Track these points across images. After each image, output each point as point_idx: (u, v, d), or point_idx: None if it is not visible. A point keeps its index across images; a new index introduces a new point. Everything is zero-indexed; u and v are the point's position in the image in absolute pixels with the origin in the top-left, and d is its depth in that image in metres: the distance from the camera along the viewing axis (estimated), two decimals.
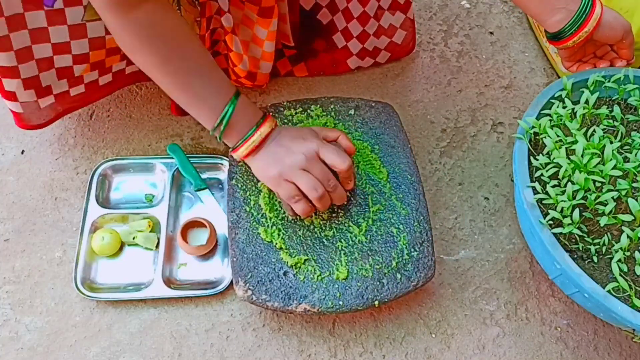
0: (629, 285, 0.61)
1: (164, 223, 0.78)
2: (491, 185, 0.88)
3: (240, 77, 0.88)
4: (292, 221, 0.73)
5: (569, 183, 0.64)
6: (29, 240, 0.79)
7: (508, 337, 0.75)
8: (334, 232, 0.73)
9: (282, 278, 0.70)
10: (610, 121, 0.73)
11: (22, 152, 0.87)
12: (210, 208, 0.82)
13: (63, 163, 0.86)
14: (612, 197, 0.63)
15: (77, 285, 0.73)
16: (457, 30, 1.07)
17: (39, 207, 0.82)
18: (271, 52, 0.84)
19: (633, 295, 0.60)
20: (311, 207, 0.69)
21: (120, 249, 0.78)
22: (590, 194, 0.63)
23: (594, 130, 0.70)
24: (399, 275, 0.70)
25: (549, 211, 0.64)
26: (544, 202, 0.65)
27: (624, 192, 0.64)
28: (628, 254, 0.62)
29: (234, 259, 0.71)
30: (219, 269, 0.77)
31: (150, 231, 0.78)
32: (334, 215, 0.74)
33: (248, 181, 0.77)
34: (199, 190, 0.82)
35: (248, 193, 0.76)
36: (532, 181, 0.68)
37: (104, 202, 0.81)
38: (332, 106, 0.84)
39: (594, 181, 0.64)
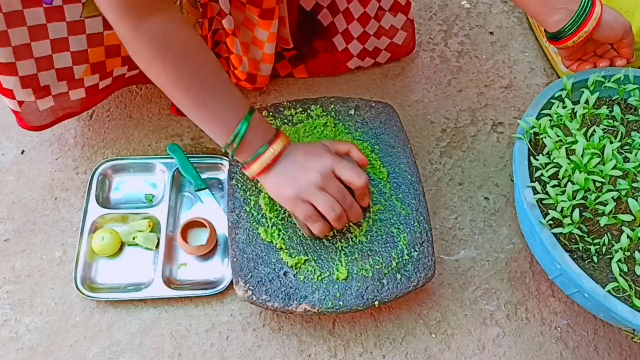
0: (629, 285, 0.61)
1: (164, 223, 0.78)
2: (491, 185, 0.88)
3: (240, 79, 0.88)
4: (292, 221, 0.73)
5: (569, 183, 0.64)
6: (29, 240, 0.79)
7: (508, 337, 0.75)
8: (334, 232, 0.73)
9: (282, 278, 0.70)
10: (610, 121, 0.73)
11: (22, 152, 0.87)
12: (210, 208, 0.82)
13: (63, 163, 0.86)
14: (612, 197, 0.63)
15: (77, 285, 0.73)
16: (457, 30, 1.07)
17: (39, 207, 0.82)
18: (271, 54, 0.84)
19: (633, 295, 0.60)
20: (328, 226, 0.68)
21: (120, 249, 0.78)
22: (590, 194, 0.63)
23: (594, 130, 0.70)
24: (399, 276, 0.70)
25: (549, 211, 0.64)
26: (544, 202, 0.65)
27: (624, 192, 0.64)
28: (628, 254, 0.62)
29: (234, 259, 0.71)
30: (219, 269, 0.77)
31: (150, 231, 0.78)
32: None
33: (248, 181, 0.77)
34: (199, 190, 0.82)
35: (248, 193, 0.76)
36: (532, 181, 0.68)
37: (104, 202, 0.81)
38: (332, 106, 0.85)
39: (594, 181, 0.64)
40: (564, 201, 0.63)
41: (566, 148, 0.67)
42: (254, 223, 0.73)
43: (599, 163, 0.65)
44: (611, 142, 0.68)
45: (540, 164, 0.68)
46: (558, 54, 0.82)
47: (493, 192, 0.87)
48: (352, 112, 0.84)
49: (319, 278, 0.70)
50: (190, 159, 0.84)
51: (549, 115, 0.72)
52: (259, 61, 0.86)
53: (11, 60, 0.70)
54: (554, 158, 0.67)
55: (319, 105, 0.84)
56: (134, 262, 0.77)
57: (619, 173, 0.63)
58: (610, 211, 0.62)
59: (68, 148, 0.87)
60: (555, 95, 0.75)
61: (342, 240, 0.72)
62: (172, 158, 0.84)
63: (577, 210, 0.63)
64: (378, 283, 0.70)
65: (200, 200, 0.82)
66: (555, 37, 0.76)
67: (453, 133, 0.93)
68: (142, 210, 0.80)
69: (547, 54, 1.03)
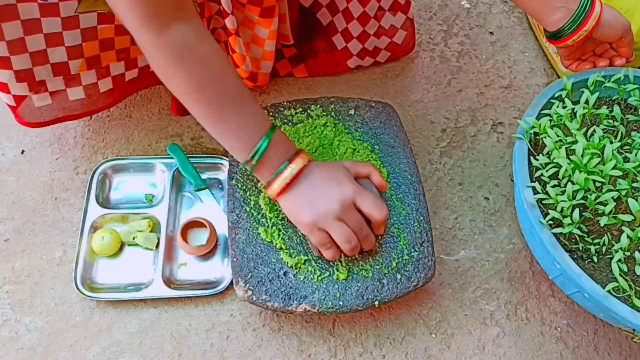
0: (629, 285, 0.61)
1: (164, 223, 0.78)
2: (491, 185, 0.88)
3: (243, 78, 0.88)
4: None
5: (569, 183, 0.64)
6: (29, 240, 0.79)
7: (508, 337, 0.75)
8: None
9: (282, 278, 0.70)
10: (610, 121, 0.73)
11: (22, 152, 0.87)
12: (210, 208, 0.82)
13: (63, 163, 0.86)
14: (612, 197, 0.63)
15: (77, 285, 0.73)
16: (457, 30, 1.07)
17: (39, 207, 0.82)
18: (272, 51, 0.84)
19: (633, 295, 0.60)
20: (340, 252, 0.67)
21: (120, 249, 0.78)
22: (590, 194, 0.63)
23: (594, 130, 0.70)
24: (399, 276, 0.70)
25: (549, 211, 0.64)
26: (544, 202, 0.65)
27: (624, 192, 0.64)
28: (628, 254, 0.62)
29: (234, 259, 0.71)
30: (219, 269, 0.77)
31: (150, 231, 0.78)
32: None
33: (248, 181, 0.77)
34: (199, 190, 0.82)
35: (248, 193, 0.76)
36: (532, 181, 0.68)
37: (104, 202, 0.81)
38: (332, 106, 0.85)
39: (594, 181, 0.64)
40: (564, 201, 0.63)
41: (566, 148, 0.67)
42: (254, 223, 0.73)
43: (599, 163, 0.65)
44: (611, 142, 0.68)
45: (540, 164, 0.68)
46: (557, 53, 0.82)
47: (493, 192, 0.87)
48: (352, 112, 0.84)
49: (319, 278, 0.70)
50: (190, 159, 0.84)
51: (549, 115, 0.72)
52: (260, 59, 0.86)
53: (5, 55, 0.70)
54: (554, 158, 0.67)
55: (319, 105, 0.84)
56: (134, 262, 0.77)
57: (619, 173, 0.63)
58: (610, 211, 0.62)
59: (68, 148, 0.87)
60: (555, 95, 0.75)
61: None
62: (172, 158, 0.84)
63: (577, 210, 0.63)
64: (378, 283, 0.70)
65: (200, 200, 0.82)
66: (554, 36, 0.76)
67: (453, 133, 0.93)
68: (142, 210, 0.80)
69: (547, 54, 1.03)
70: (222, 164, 0.85)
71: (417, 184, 0.77)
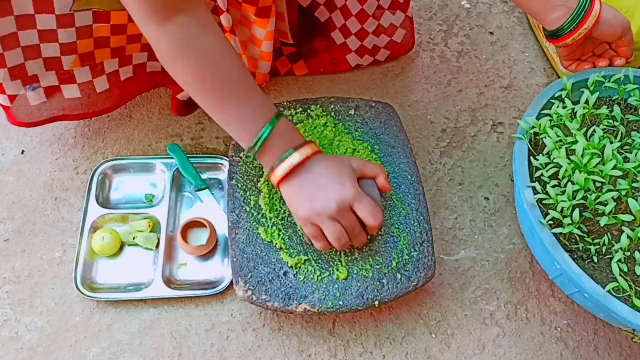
0: (629, 285, 0.61)
1: (164, 223, 0.78)
2: (491, 185, 0.88)
3: (246, 67, 0.88)
4: (292, 221, 0.73)
5: (569, 183, 0.64)
6: (29, 240, 0.79)
7: (508, 337, 0.75)
8: None
9: (282, 278, 0.70)
10: (610, 121, 0.73)
11: (22, 152, 0.87)
12: (210, 208, 0.82)
13: (63, 163, 0.86)
14: (612, 197, 0.63)
15: (77, 285, 0.73)
16: (457, 30, 1.07)
17: (39, 207, 0.82)
18: (269, 52, 0.84)
19: (633, 295, 0.60)
20: (330, 245, 0.67)
21: (120, 249, 0.78)
22: (590, 194, 0.63)
23: (594, 130, 0.70)
24: (399, 275, 0.70)
25: (549, 211, 0.64)
26: (544, 202, 0.65)
27: (624, 192, 0.64)
28: (628, 254, 0.62)
29: (234, 259, 0.71)
30: (219, 269, 0.77)
31: (150, 231, 0.78)
32: None
33: (248, 181, 0.77)
34: (199, 190, 0.82)
35: (248, 193, 0.76)
36: (532, 181, 0.68)
37: (104, 202, 0.81)
38: (332, 106, 0.85)
39: (594, 181, 0.64)
40: (564, 201, 0.63)
41: (566, 148, 0.67)
42: (254, 223, 0.73)
43: (599, 163, 0.65)
44: (611, 142, 0.68)
45: (540, 164, 0.68)
46: (557, 53, 0.82)
47: (493, 192, 0.87)
48: (352, 112, 0.84)
49: (319, 278, 0.70)
50: (190, 159, 0.84)
51: (549, 115, 0.72)
52: (257, 59, 0.86)
53: None
54: (554, 158, 0.67)
55: (318, 105, 0.84)
56: (134, 262, 0.77)
57: (619, 173, 0.63)
58: (610, 211, 0.62)
59: (68, 148, 0.87)
60: (555, 95, 0.74)
61: None
62: (172, 158, 0.84)
63: (577, 210, 0.63)
64: (378, 283, 0.70)
65: (200, 200, 0.82)
66: (554, 35, 0.75)
67: (453, 133, 0.93)
68: (142, 210, 0.80)
69: (547, 54, 1.03)
70: (222, 164, 0.85)
71: (417, 184, 0.77)
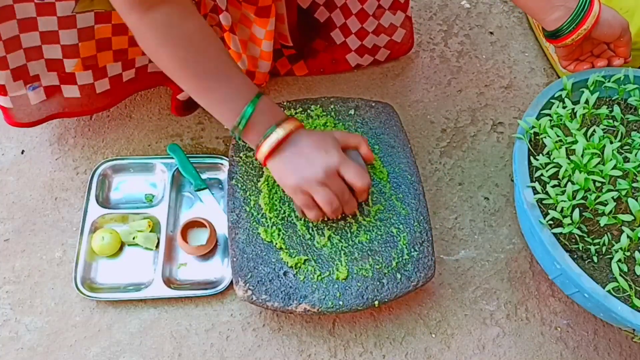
0: (629, 285, 0.61)
1: (164, 223, 0.78)
2: (491, 185, 0.88)
3: (228, 50, 0.88)
4: (292, 221, 0.73)
5: (569, 183, 0.64)
6: (29, 240, 0.79)
7: (508, 337, 0.75)
8: (334, 232, 0.73)
9: (282, 278, 0.70)
10: (610, 121, 0.73)
11: (22, 152, 0.87)
12: (210, 208, 0.82)
13: (63, 163, 0.86)
14: (612, 197, 0.63)
15: (77, 285, 0.73)
16: (457, 30, 1.07)
17: (39, 207, 0.82)
18: (269, 51, 0.84)
19: (633, 295, 0.60)
20: (322, 214, 0.69)
21: (120, 249, 0.78)
22: (590, 194, 0.63)
23: (594, 130, 0.70)
24: (399, 275, 0.70)
25: (549, 211, 0.64)
26: (544, 202, 0.65)
27: (624, 192, 0.64)
28: (628, 254, 0.62)
29: (234, 259, 0.71)
30: (219, 269, 0.77)
31: (150, 231, 0.78)
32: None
33: (248, 181, 0.77)
34: (199, 190, 0.82)
35: (248, 193, 0.76)
36: (532, 181, 0.68)
37: (104, 202, 0.81)
38: (332, 106, 0.85)
39: (594, 181, 0.64)
40: (564, 201, 0.63)
41: (566, 148, 0.67)
42: (254, 223, 0.73)
43: (599, 163, 0.65)
44: (611, 142, 0.68)
45: (540, 164, 0.68)
46: (556, 53, 0.82)
47: (493, 192, 0.87)
48: (352, 112, 0.84)
49: (319, 278, 0.70)
50: (190, 159, 0.84)
51: (549, 115, 0.72)
52: (257, 58, 0.86)
53: (2, 54, 0.70)
54: (554, 158, 0.67)
55: (318, 105, 0.84)
56: (134, 262, 0.77)
57: (619, 173, 0.63)
58: (610, 211, 0.62)
59: (68, 148, 0.87)
60: (555, 95, 0.75)
61: (342, 240, 0.72)
62: (172, 158, 0.84)
63: (577, 210, 0.63)
64: (378, 283, 0.70)
65: (200, 200, 0.82)
66: (553, 35, 0.75)
67: (453, 133, 0.93)
68: (142, 210, 0.80)
69: (547, 54, 1.03)
70: (222, 164, 0.85)
71: (417, 184, 0.77)
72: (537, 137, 0.72)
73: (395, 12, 0.92)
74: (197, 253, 0.77)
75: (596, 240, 0.65)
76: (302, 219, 0.73)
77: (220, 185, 0.84)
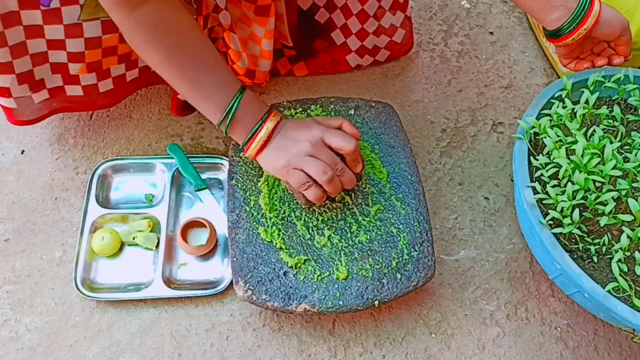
0: (629, 285, 0.61)
1: (164, 223, 0.78)
2: (491, 185, 0.88)
3: (239, 74, 0.88)
4: (292, 221, 0.73)
5: (569, 183, 0.64)
6: (29, 240, 0.79)
7: (508, 337, 0.75)
8: (334, 232, 0.73)
9: (282, 278, 0.70)
10: (610, 121, 0.73)
11: (22, 152, 0.87)
12: (210, 208, 0.82)
13: (63, 163, 0.86)
14: (612, 197, 0.63)
15: (77, 285, 0.73)
16: (457, 30, 1.07)
17: (39, 207, 0.82)
18: (269, 50, 0.84)
19: (633, 295, 0.60)
20: (323, 192, 0.69)
21: (120, 249, 0.78)
22: (590, 194, 0.63)
23: (594, 130, 0.70)
24: (399, 275, 0.70)
25: (549, 211, 0.64)
26: (544, 202, 0.65)
27: (624, 192, 0.64)
28: (628, 254, 0.62)
29: (234, 259, 0.71)
30: (219, 269, 0.77)
31: (150, 231, 0.78)
32: (334, 210, 0.74)
33: (248, 181, 0.77)
34: (199, 190, 0.82)
35: (248, 193, 0.76)
36: (532, 181, 0.68)
37: (104, 202, 0.81)
38: (332, 106, 0.85)
39: (594, 181, 0.64)
40: (564, 201, 0.63)
41: (566, 148, 0.67)
42: (254, 223, 0.73)
43: (599, 163, 0.65)
44: (611, 142, 0.68)
45: (540, 164, 0.68)
46: (556, 52, 0.82)
47: (493, 192, 0.87)
48: (352, 112, 0.84)
49: (319, 278, 0.70)
50: (190, 159, 0.84)
51: (549, 115, 0.72)
52: (258, 57, 0.86)
53: (8, 60, 0.70)
54: (554, 158, 0.67)
55: (318, 105, 0.84)
56: (134, 262, 0.77)
57: (619, 173, 0.63)
58: (610, 211, 0.62)
59: (68, 148, 0.87)
60: (555, 95, 0.75)
61: (342, 240, 0.72)
62: (172, 158, 0.84)
63: (577, 210, 0.63)
64: (378, 283, 0.70)
65: (200, 200, 0.82)
66: (554, 35, 0.76)
67: (453, 133, 0.93)
68: (142, 210, 0.80)
69: (547, 54, 1.03)
70: (222, 164, 0.85)
71: (417, 184, 0.77)
72: (537, 137, 0.72)
73: (395, 12, 0.92)
74: (197, 253, 0.77)
75: (596, 240, 0.65)
76: (304, 211, 0.73)
77: (220, 185, 0.84)
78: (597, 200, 0.63)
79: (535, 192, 0.67)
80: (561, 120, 0.71)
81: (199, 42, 0.66)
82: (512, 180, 0.88)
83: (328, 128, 0.70)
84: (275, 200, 0.75)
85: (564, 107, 0.72)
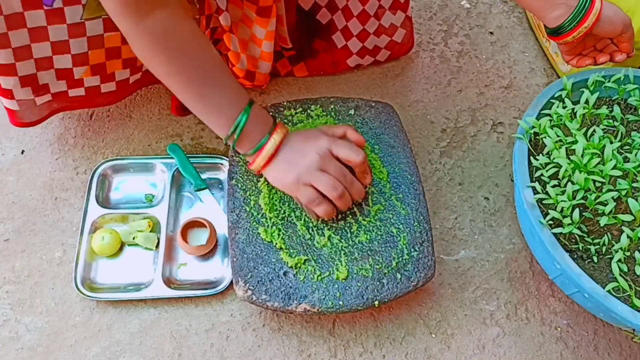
0: (629, 285, 0.61)
1: (164, 223, 0.78)
2: (491, 185, 0.88)
3: (239, 77, 0.88)
4: (292, 221, 0.73)
5: (569, 183, 0.64)
6: (29, 240, 0.79)
7: (508, 337, 0.75)
8: (334, 232, 0.73)
9: (282, 278, 0.70)
10: (610, 121, 0.73)
11: (22, 152, 0.87)
12: (210, 208, 0.82)
13: (63, 163, 0.86)
14: (612, 197, 0.63)
15: (77, 285, 0.73)
16: (457, 30, 1.07)
17: (39, 207, 0.82)
18: (270, 52, 0.84)
19: (633, 295, 0.60)
20: (333, 207, 0.69)
21: (120, 249, 0.78)
22: (590, 194, 0.63)
23: (594, 130, 0.70)
24: (399, 275, 0.70)
25: (549, 211, 0.64)
26: (544, 202, 0.65)
27: (624, 192, 0.64)
28: (628, 254, 0.62)
29: (234, 259, 0.71)
30: (219, 269, 0.77)
31: (150, 231, 0.78)
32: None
33: (248, 181, 0.77)
34: (199, 190, 0.82)
35: (248, 193, 0.76)
36: (532, 181, 0.68)
37: (104, 202, 0.81)
38: (332, 106, 0.85)
39: (594, 181, 0.64)
40: (564, 201, 0.63)
41: (566, 148, 0.67)
42: (254, 223, 0.73)
43: (599, 163, 0.65)
44: (611, 142, 0.68)
45: (540, 164, 0.68)
46: (558, 49, 0.82)
47: (493, 192, 0.87)
48: (352, 112, 0.84)
49: (319, 278, 0.70)
50: (190, 159, 0.84)
51: (549, 115, 0.72)
52: (258, 58, 0.86)
53: (11, 62, 0.70)
54: (554, 158, 0.67)
55: (318, 105, 0.84)
56: (134, 262, 0.77)
57: (619, 173, 0.63)
58: (610, 211, 0.62)
59: (68, 148, 0.87)
60: (555, 95, 0.75)
61: (342, 240, 0.72)
62: (172, 158, 0.84)
63: (577, 210, 0.63)
64: (378, 283, 0.70)
65: (200, 200, 0.82)
66: (555, 33, 0.76)
67: (453, 133, 0.93)
68: (142, 210, 0.80)
69: (547, 54, 1.03)
70: (222, 164, 0.85)
71: (417, 184, 0.77)
72: (537, 137, 0.72)
73: (395, 12, 0.92)
74: (197, 253, 0.77)
75: (596, 240, 0.65)
76: (304, 211, 0.73)
77: (220, 185, 0.84)
78: (597, 200, 0.63)
79: (535, 192, 0.67)
80: (561, 120, 0.71)
81: (207, 55, 0.65)
82: (512, 180, 0.88)
83: (334, 138, 0.69)
84: (275, 200, 0.75)
85: (564, 107, 0.72)
